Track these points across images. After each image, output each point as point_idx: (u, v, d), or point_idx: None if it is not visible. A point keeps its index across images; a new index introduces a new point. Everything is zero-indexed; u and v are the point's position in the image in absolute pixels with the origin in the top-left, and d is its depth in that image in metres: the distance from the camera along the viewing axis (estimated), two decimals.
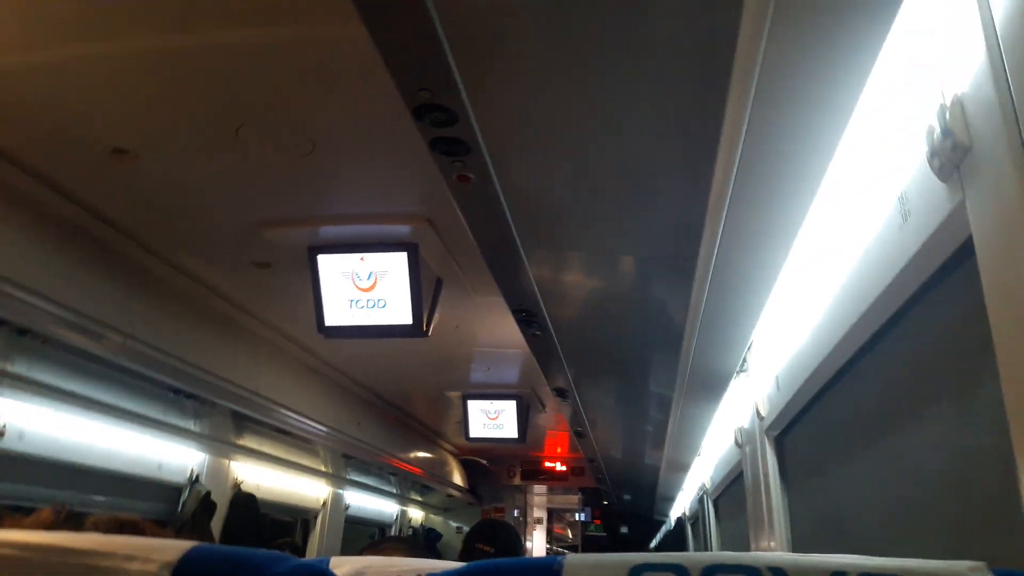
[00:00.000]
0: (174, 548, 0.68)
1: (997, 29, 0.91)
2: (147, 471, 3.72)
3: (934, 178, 1.08)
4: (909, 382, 1.44)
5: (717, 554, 0.66)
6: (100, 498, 3.43)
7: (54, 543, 0.71)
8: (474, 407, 5.70)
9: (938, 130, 1.03)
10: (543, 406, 5.83)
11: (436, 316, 3.13)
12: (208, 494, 4.12)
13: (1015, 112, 0.89)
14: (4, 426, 2.77)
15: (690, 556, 0.66)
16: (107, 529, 1.08)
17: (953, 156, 1.02)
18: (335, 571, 1.30)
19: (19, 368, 2.74)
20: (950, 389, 1.27)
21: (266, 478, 4.87)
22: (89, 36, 1.76)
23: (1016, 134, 0.89)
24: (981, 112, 0.96)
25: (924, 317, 1.33)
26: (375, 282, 2.95)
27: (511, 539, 3.10)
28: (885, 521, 1.63)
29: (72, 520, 1.14)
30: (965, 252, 1.06)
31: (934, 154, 1.06)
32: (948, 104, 1.01)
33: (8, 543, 0.70)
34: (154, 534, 1.11)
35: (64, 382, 2.96)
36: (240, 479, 4.55)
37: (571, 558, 0.68)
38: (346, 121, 2.07)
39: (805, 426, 2.24)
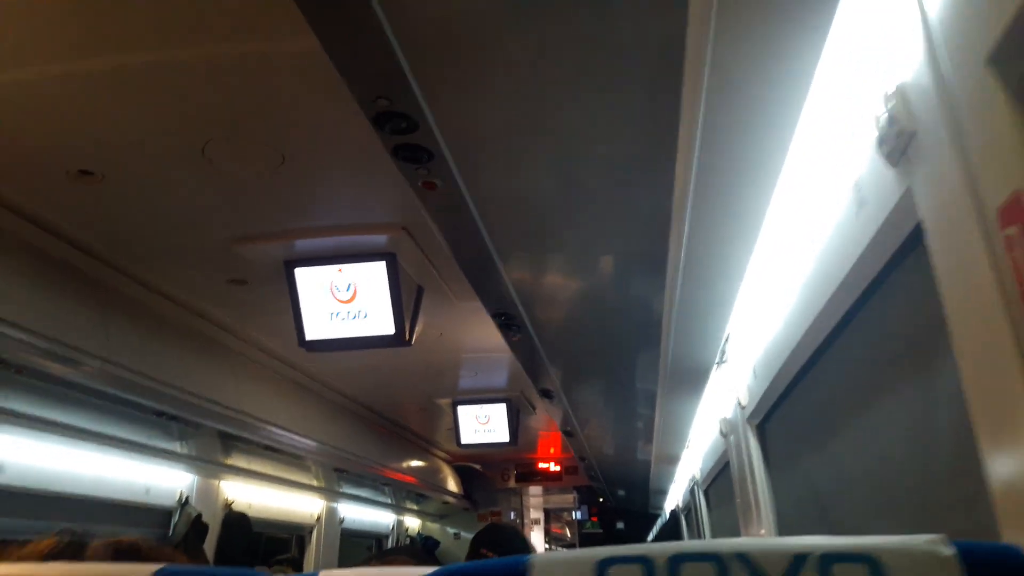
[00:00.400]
0: (139, 572, 0.69)
1: (931, 18, 0.93)
2: (135, 496, 3.69)
3: (884, 165, 1.11)
4: (874, 365, 1.47)
5: (683, 543, 0.68)
6: (88, 527, 3.39)
7: (21, 574, 0.71)
8: (464, 413, 5.69)
9: (884, 117, 1.06)
10: (533, 408, 5.84)
11: (419, 324, 3.13)
12: (199, 516, 4.09)
13: (952, 97, 0.92)
14: None
15: (655, 546, 0.67)
16: (107, 554, 1.08)
17: (899, 142, 1.04)
18: None
19: None
20: (911, 370, 1.30)
21: (258, 496, 4.84)
22: (49, 57, 1.75)
23: (954, 118, 0.92)
24: (922, 98, 0.99)
25: (884, 302, 1.36)
26: (355, 293, 2.95)
27: (516, 542, 3.08)
28: (862, 500, 1.66)
29: (73, 547, 1.14)
30: (916, 236, 1.09)
31: (882, 141, 1.09)
32: (892, 92, 1.04)
33: None
34: (156, 555, 1.12)
35: (43, 411, 2.93)
36: (231, 499, 4.53)
37: (537, 557, 0.69)
38: (315, 132, 2.07)
39: (784, 413, 2.27)
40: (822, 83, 1.23)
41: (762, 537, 2.44)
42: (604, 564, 0.65)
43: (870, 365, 1.50)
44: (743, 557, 0.64)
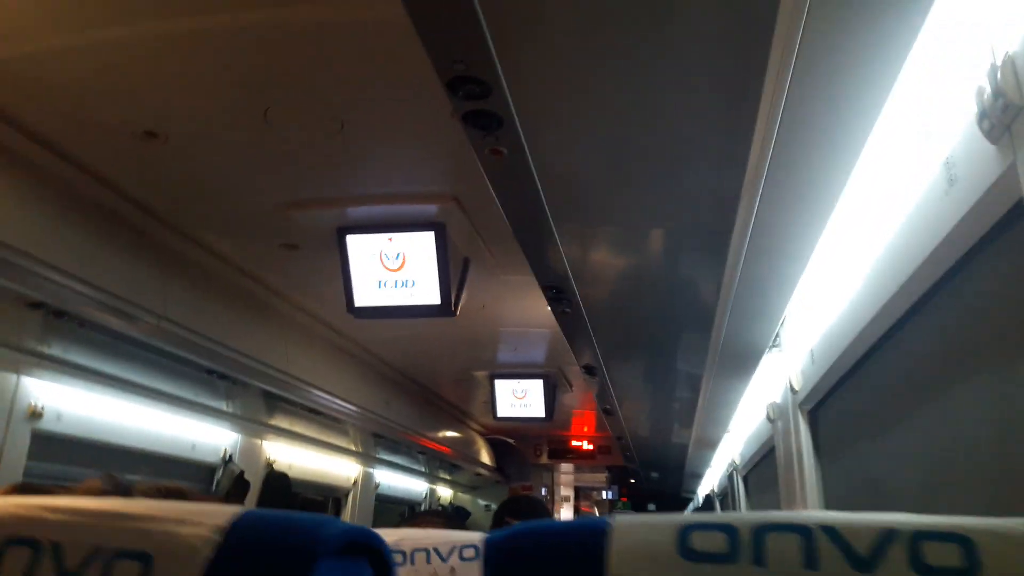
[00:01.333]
0: (225, 512, 0.69)
1: None
2: (181, 451, 3.79)
3: (983, 140, 1.05)
4: (949, 352, 1.42)
5: (768, 513, 0.66)
6: (135, 478, 3.50)
7: (106, 508, 0.72)
8: (501, 386, 5.72)
9: (988, 90, 1.01)
10: (570, 385, 5.84)
11: (463, 296, 3.14)
12: (242, 473, 4.19)
13: None
14: (42, 407, 2.83)
15: (741, 515, 0.66)
16: (156, 495, 1.10)
17: (1004, 117, 0.99)
18: None
19: (55, 350, 2.79)
20: (991, 359, 1.25)
21: (298, 458, 4.94)
22: (117, 20, 1.77)
23: None
24: None
25: (969, 284, 1.30)
26: (403, 262, 2.96)
27: (540, 514, 3.10)
28: (920, 493, 1.61)
29: (121, 491, 1.17)
30: (1015, 215, 1.04)
31: (984, 115, 1.03)
32: (999, 63, 0.98)
33: (62, 508, 0.72)
34: (196, 497, 1.14)
35: (99, 364, 3.02)
36: (273, 459, 4.63)
37: (620, 518, 0.68)
38: (374, 101, 2.07)
39: (840, 399, 2.22)
40: (920, 52, 1.18)
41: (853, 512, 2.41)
42: (687, 530, 0.64)
43: (944, 352, 1.45)
44: (831, 530, 0.62)
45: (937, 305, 1.44)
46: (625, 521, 0.67)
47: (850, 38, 1.13)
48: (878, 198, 1.53)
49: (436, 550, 1.38)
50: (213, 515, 0.69)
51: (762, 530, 0.63)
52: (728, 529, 0.63)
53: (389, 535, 1.34)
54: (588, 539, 0.65)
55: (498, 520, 3.01)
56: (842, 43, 1.14)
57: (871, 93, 1.25)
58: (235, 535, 0.67)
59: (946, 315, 1.42)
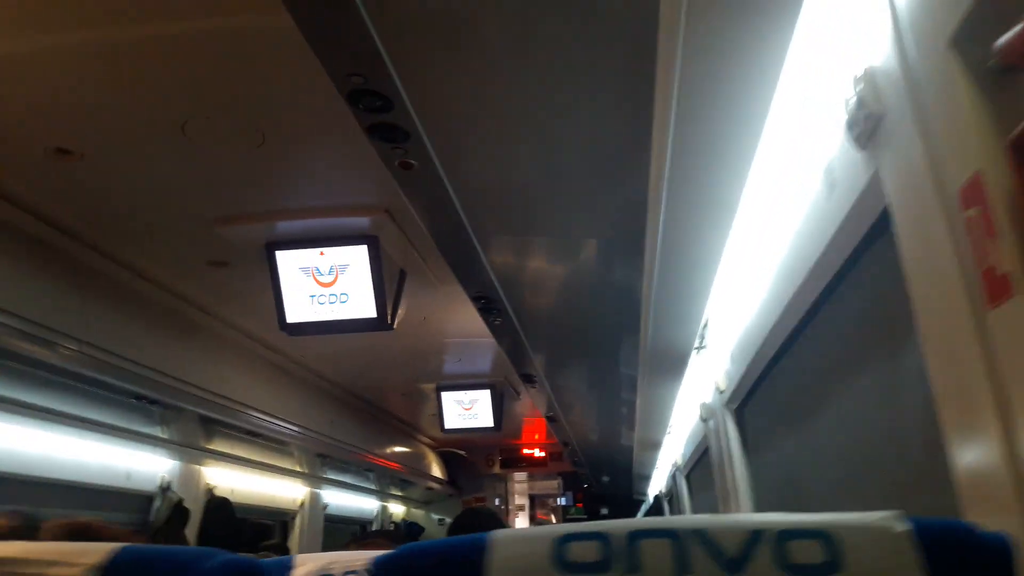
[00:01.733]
0: (101, 549, 0.68)
1: (897, 1, 0.94)
2: (115, 481, 3.65)
3: (853, 148, 1.12)
4: (846, 348, 1.49)
5: (641, 520, 0.68)
6: (68, 512, 3.37)
7: None
8: (448, 398, 5.70)
9: (853, 101, 1.07)
10: (517, 393, 5.85)
11: (402, 308, 3.13)
12: (181, 501, 4.07)
13: (917, 80, 0.93)
14: None
15: (614, 523, 0.68)
16: (60, 534, 1.07)
17: (867, 125, 1.05)
18: (299, 568, 1.31)
19: None
20: (880, 353, 1.32)
21: (240, 482, 4.82)
22: (26, 31, 1.72)
23: (919, 100, 0.93)
24: (889, 81, 1.00)
25: (854, 285, 1.37)
26: (336, 276, 2.94)
27: (492, 526, 3.08)
28: (835, 482, 1.69)
29: (28, 529, 1.13)
30: (884, 220, 1.10)
31: (852, 124, 1.10)
32: (860, 75, 1.05)
33: None
34: (110, 535, 1.11)
35: (20, 394, 2.89)
36: (213, 484, 4.51)
37: (498, 533, 0.70)
38: (296, 112, 2.05)
39: (760, 397, 2.29)
40: (793, 68, 1.24)
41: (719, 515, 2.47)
42: (563, 540, 0.66)
43: (841, 348, 1.52)
44: (700, 533, 0.65)
45: (831, 305, 1.51)
46: (504, 535, 0.69)
47: (727, 50, 1.19)
48: (774, 205, 1.60)
49: (368, 571, 1.37)
50: (89, 554, 0.68)
51: (635, 536, 0.65)
52: (602, 537, 0.65)
53: (319, 559, 1.34)
54: (469, 555, 0.67)
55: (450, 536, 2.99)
56: (720, 55, 1.19)
57: (754, 104, 1.31)
58: (112, 573, 0.66)
59: (838, 314, 1.49)
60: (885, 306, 1.28)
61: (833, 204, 1.24)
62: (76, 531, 1.08)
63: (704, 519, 0.68)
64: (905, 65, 0.93)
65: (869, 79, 1.03)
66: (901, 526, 0.64)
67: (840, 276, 1.40)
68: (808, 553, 0.62)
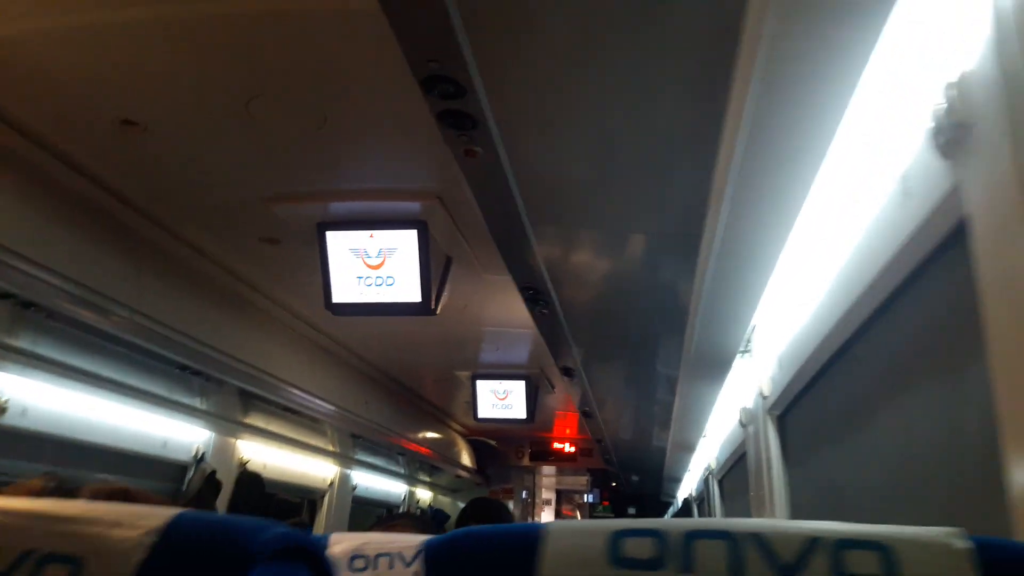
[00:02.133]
0: (160, 514, 0.69)
1: (999, 4, 0.91)
2: (152, 449, 3.72)
3: (936, 157, 1.09)
4: (905, 360, 1.45)
5: (697, 520, 0.68)
6: (104, 476, 3.44)
7: (39, 509, 0.71)
8: (483, 387, 5.72)
9: (943, 107, 1.04)
10: (552, 387, 5.84)
11: (445, 294, 3.14)
12: (214, 472, 4.13)
13: (1018, 91, 0.90)
14: (7, 401, 2.75)
15: (670, 521, 0.68)
16: (99, 497, 1.09)
17: (956, 134, 1.02)
18: (335, 546, 1.33)
19: (23, 343, 2.73)
20: (942, 369, 1.28)
21: (273, 457, 4.90)
22: (95, 5, 1.76)
23: (1018, 112, 0.89)
24: (985, 91, 0.96)
25: (921, 296, 1.34)
26: (384, 259, 2.96)
27: (503, 516, 3.07)
28: (881, 497, 1.65)
29: (64, 492, 1.15)
30: (959, 232, 1.07)
31: (938, 131, 1.06)
32: (954, 81, 1.01)
33: None
34: (146, 501, 1.12)
35: (68, 357, 2.95)
36: (246, 458, 4.58)
37: (553, 524, 0.70)
38: (358, 95, 2.07)
39: (806, 405, 2.25)
40: (879, 68, 1.21)
41: (777, 519, 2.43)
42: (618, 535, 0.66)
43: (899, 362, 1.48)
44: (757, 537, 0.64)
45: (894, 315, 1.47)
46: (559, 526, 0.69)
47: (811, 50, 1.16)
48: (841, 208, 1.57)
49: (400, 555, 1.37)
50: (148, 517, 0.68)
51: (691, 536, 0.65)
52: (658, 535, 0.65)
53: (354, 539, 1.35)
54: (523, 543, 0.67)
55: (462, 524, 3.01)
56: (803, 54, 1.17)
57: (834, 102, 1.28)
58: (169, 538, 0.66)
59: (902, 325, 1.45)
60: (949, 321, 1.25)
61: (906, 212, 1.21)
62: (117, 496, 1.09)
63: (761, 523, 0.67)
64: (1007, 74, 0.90)
65: (963, 85, 0.99)
66: (962, 544, 0.62)
67: (905, 287, 1.37)
68: (865, 564, 0.61)
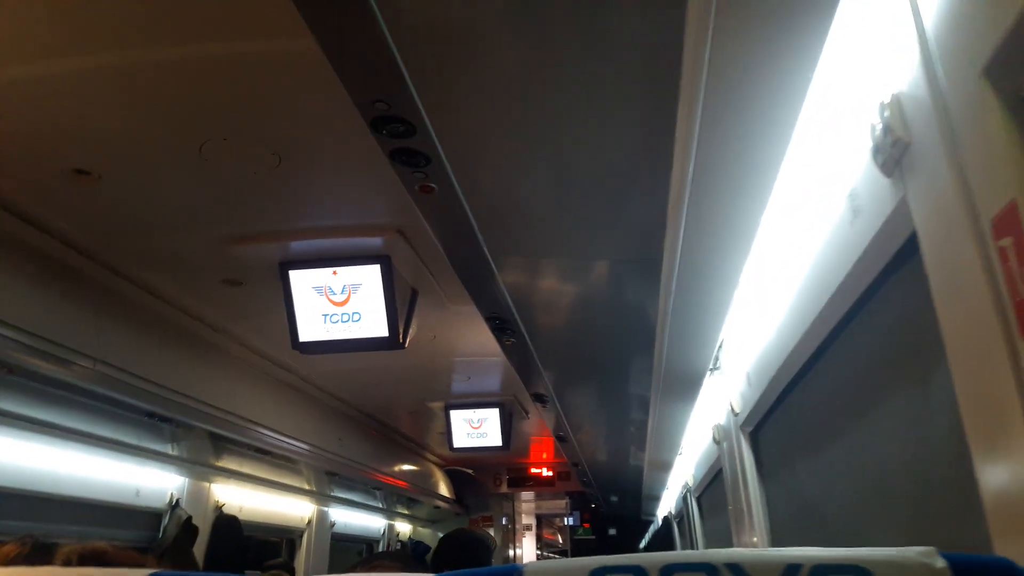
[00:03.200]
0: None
1: (927, 29, 0.94)
2: (125, 498, 3.66)
3: (879, 174, 1.11)
4: (868, 373, 1.47)
5: (676, 553, 0.68)
6: (76, 528, 3.36)
7: None
8: (457, 417, 5.68)
9: (879, 127, 1.07)
10: (526, 413, 5.83)
11: (413, 327, 3.13)
12: (189, 518, 4.06)
13: (947, 108, 0.92)
14: None
15: (649, 556, 0.68)
16: (74, 559, 1.06)
17: (894, 152, 1.05)
18: None
19: None
20: (905, 379, 1.30)
21: (249, 499, 4.82)
22: (46, 54, 1.74)
23: (949, 129, 0.92)
24: (917, 108, 0.99)
25: (878, 310, 1.36)
26: (349, 295, 2.95)
27: (481, 555, 2.94)
28: (853, 508, 1.66)
29: (40, 551, 1.12)
30: (912, 245, 1.09)
31: (877, 150, 1.09)
32: (887, 102, 1.04)
33: None
34: (125, 560, 1.10)
35: (33, 411, 2.90)
36: (222, 501, 4.50)
37: (530, 565, 0.69)
38: (312, 133, 2.07)
39: (777, 420, 2.27)
40: (819, 91, 1.24)
41: (754, 548, 2.44)
42: (597, 573, 0.65)
43: (864, 373, 1.50)
44: (735, 567, 0.64)
45: (853, 331, 1.50)
46: (537, 567, 0.69)
47: (751, 74, 1.19)
48: (796, 228, 1.59)
49: None
50: None
51: (669, 569, 0.65)
52: (637, 570, 0.65)
53: None
54: None
55: (438, 560, 2.92)
56: (744, 79, 1.20)
57: (778, 125, 1.31)
58: None
59: (861, 341, 1.48)
60: (910, 333, 1.27)
61: (857, 229, 1.23)
62: (91, 557, 1.06)
63: (738, 552, 0.67)
64: (935, 93, 0.93)
65: (896, 105, 1.02)
66: (938, 563, 0.63)
67: (863, 301, 1.39)
68: None
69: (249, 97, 1.91)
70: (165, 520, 4.00)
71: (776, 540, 2.46)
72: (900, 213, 1.08)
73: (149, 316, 3.16)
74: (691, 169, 1.41)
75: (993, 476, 0.94)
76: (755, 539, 2.60)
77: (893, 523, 1.45)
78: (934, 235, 1.02)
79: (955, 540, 1.12)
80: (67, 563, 0.98)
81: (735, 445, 2.73)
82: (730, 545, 3.04)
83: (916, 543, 0.65)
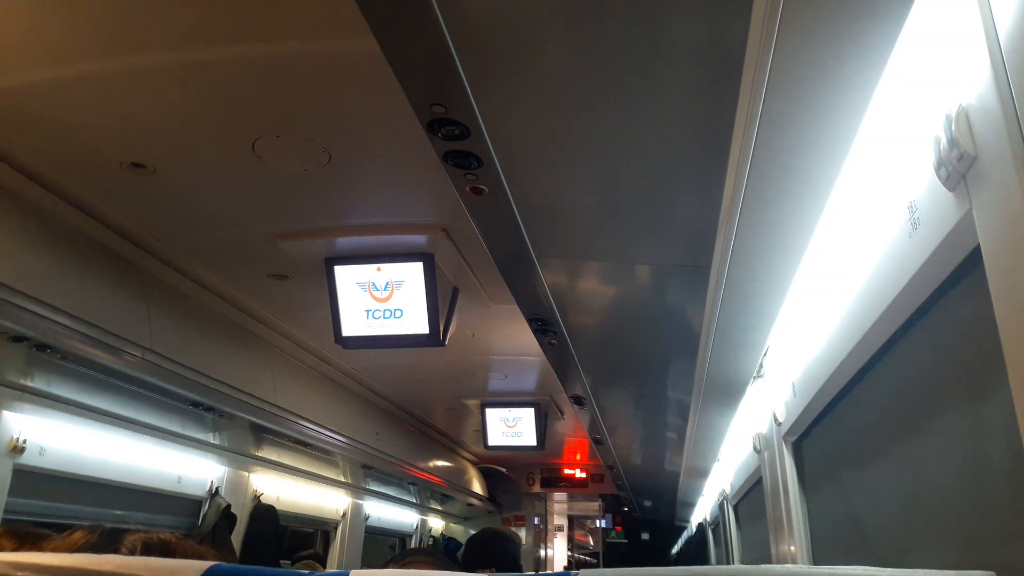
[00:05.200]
0: (192, 569, 0.69)
1: (1000, 40, 0.91)
2: (167, 485, 3.77)
3: (942, 188, 1.08)
4: (922, 389, 1.44)
5: (724, 568, 0.67)
6: (119, 512, 3.47)
7: (74, 565, 0.72)
8: (492, 415, 5.71)
9: (944, 140, 1.04)
10: (561, 413, 5.82)
11: (453, 325, 3.15)
12: (228, 507, 4.16)
13: (1019, 122, 0.90)
14: (24, 442, 2.82)
15: (695, 570, 0.67)
16: (139, 548, 1.09)
17: (959, 166, 1.02)
18: None
19: (38, 383, 2.79)
20: (961, 396, 1.27)
21: (286, 490, 4.91)
22: (106, 52, 1.81)
23: (1020, 143, 0.89)
24: (986, 122, 0.96)
25: (935, 325, 1.32)
26: (391, 292, 2.98)
27: (507, 551, 2.91)
28: (901, 525, 1.62)
29: (108, 538, 1.15)
30: (973, 261, 1.06)
31: (941, 164, 1.06)
32: (954, 115, 1.01)
33: (28, 565, 0.71)
34: (187, 552, 1.13)
35: (83, 397, 3.01)
36: (260, 491, 4.60)
37: (586, 572, 0.69)
38: (362, 132, 2.10)
39: (822, 431, 2.23)
40: (882, 99, 1.21)
41: (799, 564, 2.39)
42: None
43: (917, 388, 1.47)
44: None
45: (907, 345, 1.46)
46: (590, 575, 0.68)
47: (814, 81, 1.17)
48: (851, 238, 1.56)
49: None
50: (182, 572, 0.70)
51: None
52: None
53: None
54: None
55: (469, 559, 2.93)
56: (807, 86, 1.17)
57: (839, 132, 1.28)
58: None
59: (915, 355, 1.44)
60: (968, 349, 1.23)
61: (916, 242, 1.20)
62: (155, 547, 1.10)
63: (777, 570, 0.66)
64: (1007, 105, 0.90)
65: (964, 117, 0.99)
66: None
67: (919, 315, 1.36)
68: None
69: (302, 96, 1.95)
70: (204, 507, 4.10)
71: (817, 554, 2.42)
72: (963, 227, 1.05)
73: (197, 307, 3.24)
74: (746, 176, 1.39)
75: None
76: (793, 549, 2.55)
77: (944, 544, 1.42)
78: (1000, 251, 0.99)
79: (1013, 564, 1.09)
80: (131, 551, 1.01)
81: (777, 455, 2.68)
82: (768, 555, 2.99)
83: (969, 566, 0.64)
